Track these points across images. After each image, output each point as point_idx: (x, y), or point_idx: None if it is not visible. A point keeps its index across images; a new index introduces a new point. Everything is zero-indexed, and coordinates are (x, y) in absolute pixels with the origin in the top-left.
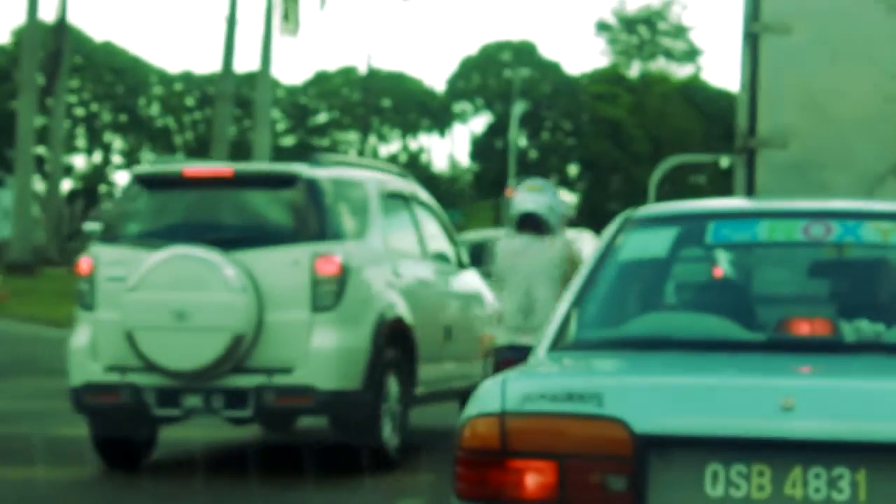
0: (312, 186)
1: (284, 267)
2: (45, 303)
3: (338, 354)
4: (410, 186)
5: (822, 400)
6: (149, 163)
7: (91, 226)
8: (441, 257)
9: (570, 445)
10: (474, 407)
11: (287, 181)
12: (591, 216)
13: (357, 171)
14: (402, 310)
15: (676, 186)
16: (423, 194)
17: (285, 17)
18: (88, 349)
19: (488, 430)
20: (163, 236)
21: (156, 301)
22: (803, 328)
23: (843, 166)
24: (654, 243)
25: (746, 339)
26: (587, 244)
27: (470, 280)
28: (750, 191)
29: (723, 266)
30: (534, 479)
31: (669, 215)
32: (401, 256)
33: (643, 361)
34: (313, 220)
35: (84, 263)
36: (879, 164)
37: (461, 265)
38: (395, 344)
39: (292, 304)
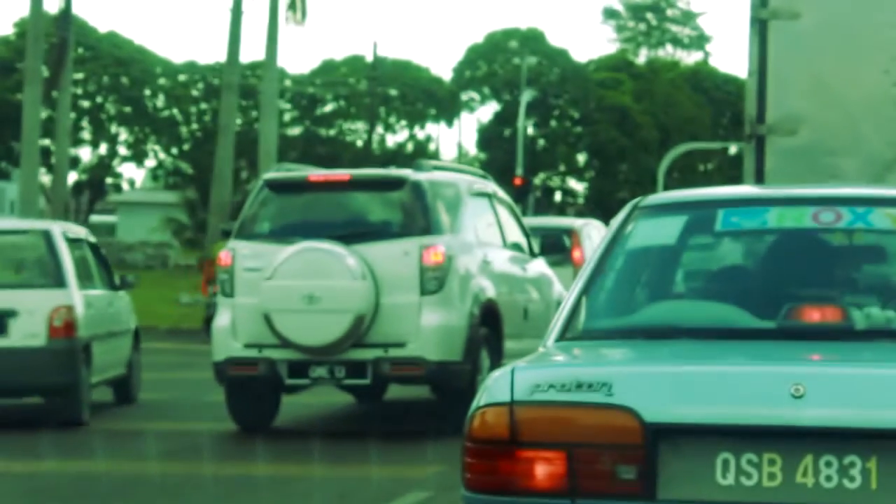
0: (418, 188)
1: (396, 257)
2: None
3: (443, 331)
4: (490, 185)
5: (834, 388)
6: (275, 170)
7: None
8: (517, 246)
9: (580, 435)
10: (483, 397)
11: (396, 184)
12: (600, 204)
13: (450, 173)
14: (492, 293)
15: (685, 174)
16: (500, 192)
17: (291, 5)
18: (229, 329)
19: (497, 419)
20: (292, 232)
21: (289, 287)
22: (814, 315)
23: (853, 152)
24: (663, 231)
25: (756, 326)
26: (596, 233)
27: (541, 266)
28: (759, 177)
29: (732, 253)
30: (543, 469)
31: (678, 203)
32: (487, 246)
33: (653, 350)
34: (419, 217)
35: (224, 256)
36: (888, 149)
37: (533, 253)
38: (486, 322)
39: (404, 288)
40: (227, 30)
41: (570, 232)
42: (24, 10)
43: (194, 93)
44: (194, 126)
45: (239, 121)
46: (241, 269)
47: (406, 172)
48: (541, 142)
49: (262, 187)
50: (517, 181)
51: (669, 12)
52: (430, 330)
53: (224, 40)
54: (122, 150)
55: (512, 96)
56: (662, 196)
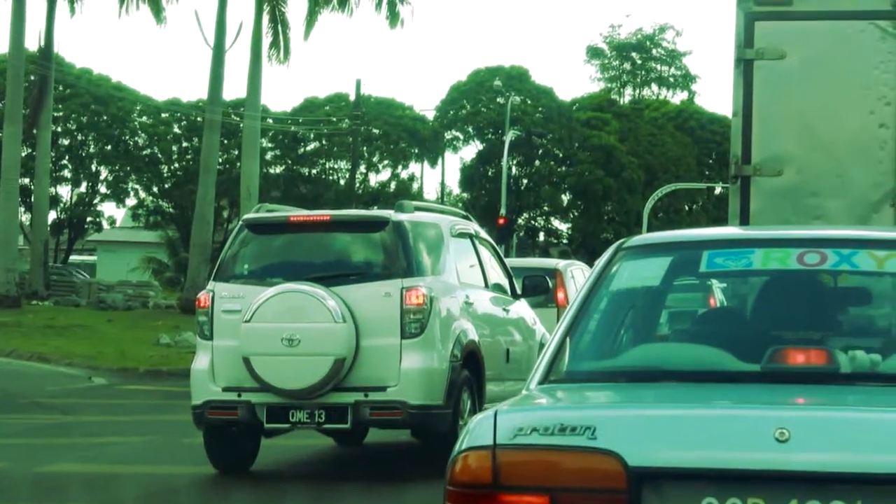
0: (399, 229)
1: (377, 299)
2: (30, 337)
3: (424, 374)
4: (472, 226)
5: (818, 431)
6: (255, 211)
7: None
8: (499, 287)
9: (563, 479)
10: (465, 440)
11: (377, 225)
12: (584, 245)
13: (431, 214)
14: (473, 335)
15: (670, 214)
16: (483, 232)
17: (273, 44)
18: (208, 372)
19: (479, 463)
20: (272, 274)
21: (269, 330)
22: (799, 358)
23: (838, 193)
24: (648, 272)
25: (741, 369)
26: (580, 274)
27: (523, 308)
28: (744, 218)
29: (716, 295)
30: None
31: (663, 243)
32: (469, 287)
33: (637, 393)
34: (401, 258)
35: (202, 298)
36: (874, 190)
37: (515, 295)
38: (468, 365)
39: (385, 331)
40: (209, 68)
41: (553, 273)
42: (2, 46)
43: (176, 130)
44: (175, 165)
45: (220, 159)
46: (220, 311)
47: (387, 213)
48: (524, 181)
49: (242, 228)
50: (501, 221)
51: (654, 52)
52: (411, 373)
53: (206, 78)
54: (103, 189)
55: (496, 135)
56: (647, 237)
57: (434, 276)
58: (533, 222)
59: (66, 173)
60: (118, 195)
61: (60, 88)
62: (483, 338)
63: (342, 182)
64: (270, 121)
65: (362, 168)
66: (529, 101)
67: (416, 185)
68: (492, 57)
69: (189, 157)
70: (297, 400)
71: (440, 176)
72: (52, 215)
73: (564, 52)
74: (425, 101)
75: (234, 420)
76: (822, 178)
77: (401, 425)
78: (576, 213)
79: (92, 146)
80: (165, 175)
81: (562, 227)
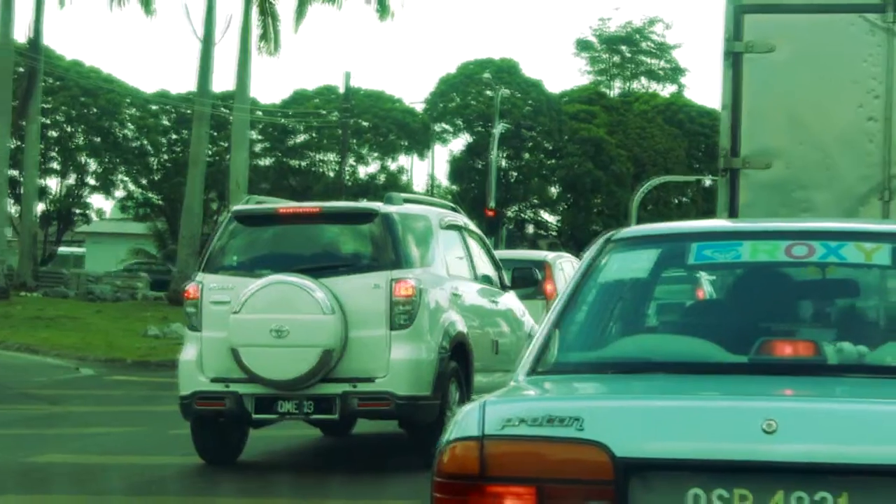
0: (388, 221)
1: (366, 290)
2: (18, 328)
3: (413, 365)
4: (461, 218)
5: (805, 423)
6: (244, 202)
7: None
8: (487, 279)
9: (550, 470)
10: (453, 431)
11: (366, 216)
12: (573, 237)
13: (420, 206)
14: (461, 326)
15: (658, 206)
16: (471, 224)
17: (263, 36)
18: (196, 363)
19: (467, 454)
20: (260, 265)
21: (257, 321)
22: (786, 350)
23: (826, 186)
24: (636, 264)
25: (729, 361)
26: (568, 266)
27: (511, 300)
28: (732, 211)
29: (705, 287)
30: None
31: (651, 236)
32: (458, 279)
33: (624, 384)
34: (390, 249)
35: (191, 289)
36: (862, 183)
37: (503, 287)
38: (456, 356)
39: (373, 322)
40: (198, 60)
41: (542, 265)
42: None
43: (165, 122)
44: (164, 156)
45: (209, 151)
46: (209, 303)
47: (376, 205)
48: (514, 174)
49: (231, 219)
50: (489, 213)
51: (644, 45)
52: (399, 364)
53: (195, 70)
54: (91, 181)
55: (485, 128)
56: (635, 229)
57: (423, 267)
58: (522, 215)
59: (55, 165)
60: (107, 187)
61: (50, 80)
62: (471, 329)
63: (331, 174)
64: (260, 113)
65: (351, 160)
66: (518, 94)
67: (405, 178)
68: (481, 50)
69: (178, 149)
70: (285, 391)
71: (429, 168)
72: (40, 207)
73: (554, 44)
74: (415, 94)
75: (221, 411)
76: (810, 170)
77: (389, 416)
78: (565, 206)
79: (81, 138)
80: (154, 167)
81: (551, 219)
